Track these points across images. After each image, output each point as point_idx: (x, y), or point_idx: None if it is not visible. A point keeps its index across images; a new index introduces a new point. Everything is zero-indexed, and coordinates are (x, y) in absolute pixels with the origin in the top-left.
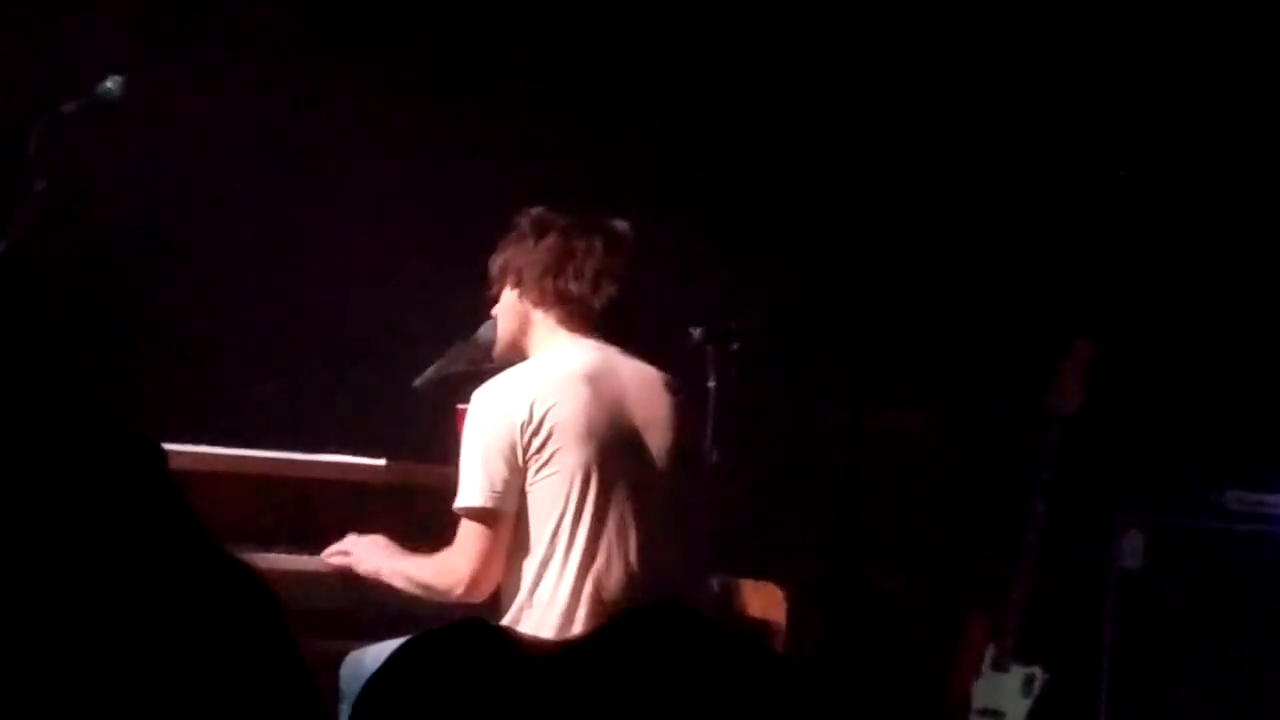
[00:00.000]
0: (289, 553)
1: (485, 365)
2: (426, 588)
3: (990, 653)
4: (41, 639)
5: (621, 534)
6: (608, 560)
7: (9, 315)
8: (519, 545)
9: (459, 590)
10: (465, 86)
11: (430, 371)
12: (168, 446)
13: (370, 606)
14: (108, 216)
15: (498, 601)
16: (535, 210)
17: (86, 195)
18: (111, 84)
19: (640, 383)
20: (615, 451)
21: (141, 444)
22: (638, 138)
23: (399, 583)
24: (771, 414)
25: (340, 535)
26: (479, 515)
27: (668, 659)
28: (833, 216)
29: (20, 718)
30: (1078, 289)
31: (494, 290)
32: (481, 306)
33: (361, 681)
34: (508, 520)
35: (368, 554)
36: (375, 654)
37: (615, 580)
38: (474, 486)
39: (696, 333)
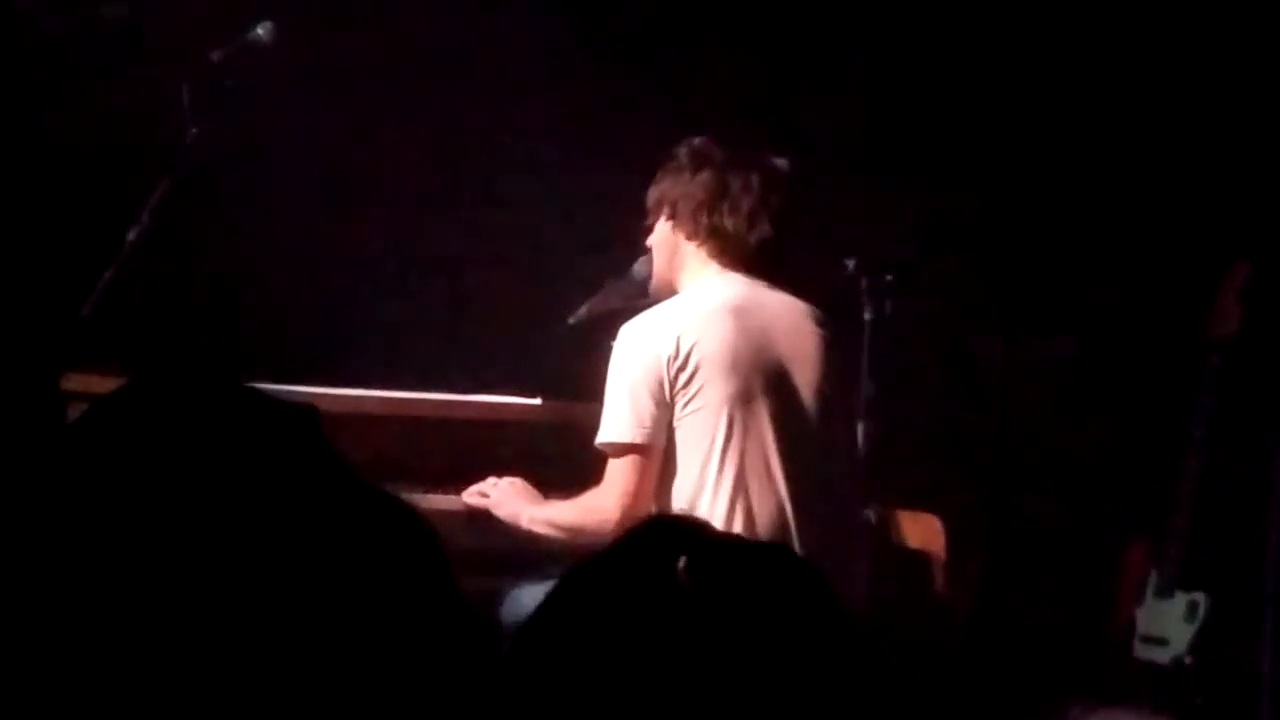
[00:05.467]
0: (444, 493)
1: (640, 301)
2: (573, 529)
3: (1153, 580)
4: (222, 595)
5: (770, 468)
6: (758, 494)
7: (172, 269)
8: (667, 481)
9: (609, 528)
10: (628, 21)
11: (585, 308)
12: (324, 391)
13: (523, 545)
14: (260, 163)
15: None
16: (694, 142)
17: (245, 142)
18: (261, 30)
19: (786, 316)
20: (762, 385)
21: (295, 407)
22: (795, 70)
23: (540, 529)
24: (926, 344)
25: (495, 475)
26: (627, 451)
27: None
28: (984, 142)
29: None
30: (1237, 210)
31: (649, 221)
32: (638, 241)
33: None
34: (656, 456)
35: (506, 499)
36: (535, 593)
37: (766, 514)
38: (622, 422)
39: (850, 264)
